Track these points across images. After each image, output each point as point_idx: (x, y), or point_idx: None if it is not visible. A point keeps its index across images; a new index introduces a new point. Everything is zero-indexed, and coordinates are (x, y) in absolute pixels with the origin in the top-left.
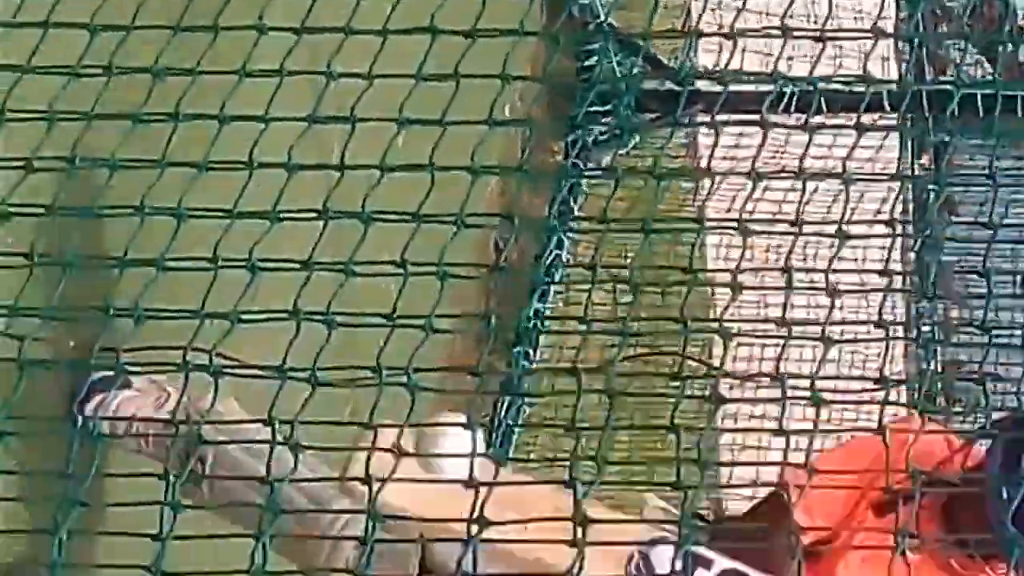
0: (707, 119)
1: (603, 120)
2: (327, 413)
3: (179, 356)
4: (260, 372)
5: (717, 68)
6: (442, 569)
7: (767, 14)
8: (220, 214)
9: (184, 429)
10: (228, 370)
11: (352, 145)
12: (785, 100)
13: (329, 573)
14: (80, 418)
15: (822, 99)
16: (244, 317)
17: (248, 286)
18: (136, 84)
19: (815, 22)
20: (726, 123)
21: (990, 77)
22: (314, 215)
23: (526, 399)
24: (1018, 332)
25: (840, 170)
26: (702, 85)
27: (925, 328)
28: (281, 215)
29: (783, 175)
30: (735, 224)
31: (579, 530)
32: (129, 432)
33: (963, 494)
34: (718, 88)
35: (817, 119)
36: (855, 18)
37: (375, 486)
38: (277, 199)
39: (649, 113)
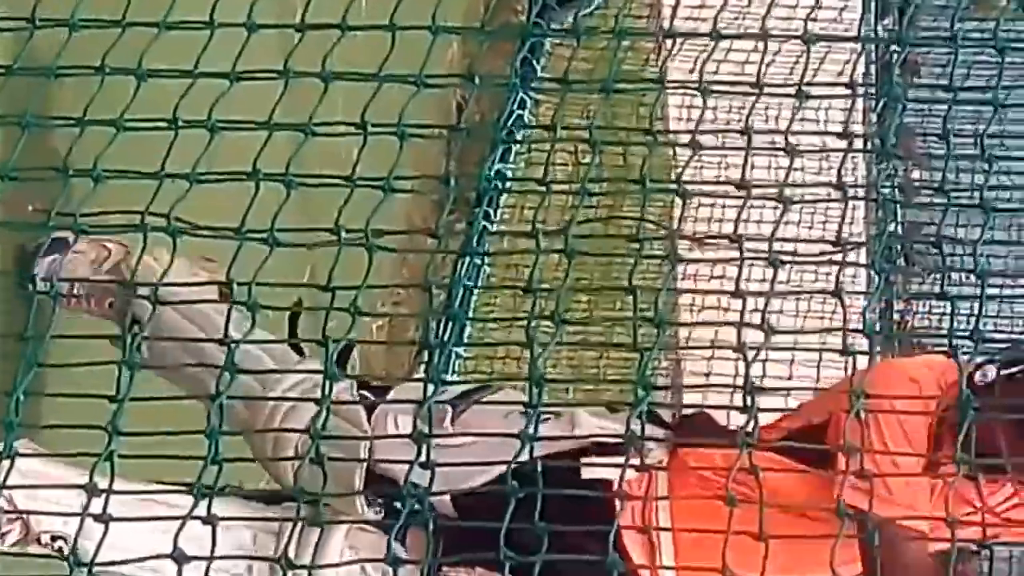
0: None
1: None
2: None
3: (137, 220)
4: (217, 233)
5: None
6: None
7: None
8: (179, 74)
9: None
10: (186, 231)
11: (313, 4)
12: None
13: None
14: (36, 279)
15: None
16: (202, 177)
17: (207, 146)
18: None
19: None
20: None
21: None
22: (274, 75)
23: (486, 260)
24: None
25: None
26: None
27: (885, 190)
28: (241, 75)
29: (745, 34)
30: (696, 85)
31: (534, 389)
32: (71, 294)
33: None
34: None
35: None
36: None
37: (331, 347)
38: (237, 58)
39: None
